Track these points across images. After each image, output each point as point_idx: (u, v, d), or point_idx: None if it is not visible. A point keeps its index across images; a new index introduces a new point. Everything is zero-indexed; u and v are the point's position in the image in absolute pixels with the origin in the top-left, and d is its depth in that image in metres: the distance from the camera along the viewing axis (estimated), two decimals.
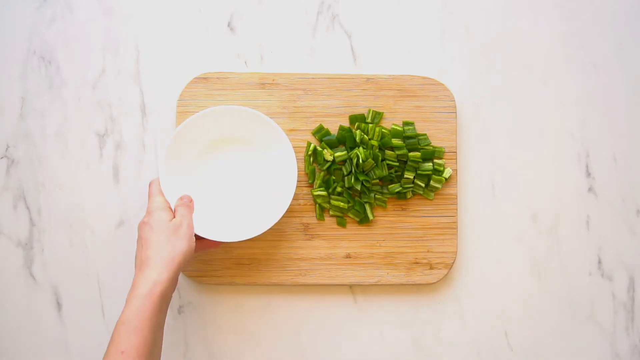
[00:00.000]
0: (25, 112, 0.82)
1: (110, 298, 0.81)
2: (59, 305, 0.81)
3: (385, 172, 0.79)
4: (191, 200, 0.76)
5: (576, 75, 0.85)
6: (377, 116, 0.81)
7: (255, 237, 0.76)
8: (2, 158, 0.82)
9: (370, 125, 0.80)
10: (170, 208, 0.73)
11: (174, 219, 0.72)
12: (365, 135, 0.80)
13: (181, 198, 0.75)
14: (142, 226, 0.71)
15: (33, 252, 0.81)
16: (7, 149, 0.82)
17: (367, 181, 0.79)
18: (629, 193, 0.84)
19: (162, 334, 0.69)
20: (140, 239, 0.70)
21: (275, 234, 0.80)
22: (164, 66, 0.83)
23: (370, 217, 0.80)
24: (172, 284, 0.68)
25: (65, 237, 0.81)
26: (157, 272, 0.67)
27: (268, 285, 0.81)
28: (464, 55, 0.85)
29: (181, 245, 0.70)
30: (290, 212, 0.80)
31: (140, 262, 0.69)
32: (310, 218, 0.81)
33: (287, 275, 0.81)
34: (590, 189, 0.84)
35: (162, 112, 0.83)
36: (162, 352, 0.81)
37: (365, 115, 0.81)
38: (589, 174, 0.84)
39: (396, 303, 0.82)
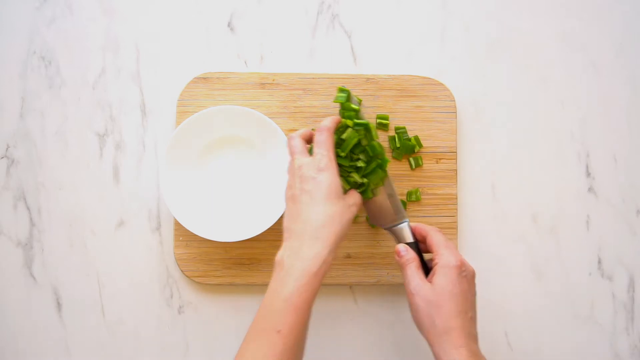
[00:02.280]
0: (25, 112, 0.82)
1: (110, 298, 0.81)
2: (59, 305, 0.81)
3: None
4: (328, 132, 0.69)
5: (576, 75, 0.85)
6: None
7: (255, 237, 0.76)
8: (2, 158, 0.82)
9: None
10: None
11: (337, 182, 0.65)
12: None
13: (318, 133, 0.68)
14: (314, 182, 0.65)
15: (33, 252, 0.81)
16: (7, 149, 0.82)
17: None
18: (629, 193, 0.84)
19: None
20: (312, 196, 0.65)
21: (275, 234, 0.80)
22: (164, 66, 0.83)
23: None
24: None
25: (65, 237, 0.81)
26: (328, 250, 0.63)
27: (268, 285, 0.81)
28: (464, 55, 0.85)
29: (349, 215, 0.66)
30: None
31: (306, 231, 0.64)
32: None
33: None
34: (590, 189, 0.84)
35: (162, 112, 0.83)
36: (162, 352, 0.81)
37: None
38: (589, 174, 0.84)
39: (396, 303, 0.82)
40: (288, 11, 0.84)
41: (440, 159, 0.82)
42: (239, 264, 0.80)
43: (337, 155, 0.70)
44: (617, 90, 0.85)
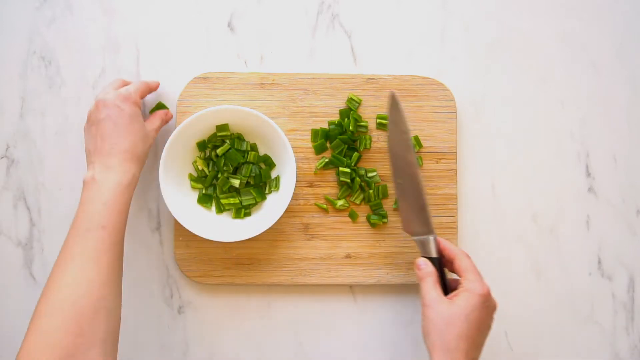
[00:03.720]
0: (25, 112, 0.82)
1: None
2: None
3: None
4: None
5: (576, 75, 0.85)
6: (354, 104, 0.81)
7: (255, 237, 0.76)
8: (2, 158, 0.82)
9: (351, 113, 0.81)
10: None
11: (137, 112, 0.74)
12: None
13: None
14: (115, 109, 0.72)
15: (33, 252, 0.81)
16: (7, 149, 0.82)
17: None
18: (629, 193, 0.84)
19: None
20: (96, 130, 0.72)
21: (275, 234, 0.80)
22: (164, 66, 0.83)
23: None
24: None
25: (65, 237, 0.81)
26: (136, 167, 0.71)
27: (268, 285, 0.81)
28: (464, 55, 0.85)
29: (150, 141, 0.75)
30: (290, 212, 0.80)
31: (113, 153, 0.70)
32: (310, 218, 0.81)
33: (287, 275, 0.81)
34: (590, 189, 0.84)
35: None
36: (162, 352, 0.81)
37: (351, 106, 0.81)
38: (589, 174, 0.84)
39: (396, 303, 0.82)
40: (288, 11, 0.84)
41: (440, 159, 0.82)
42: (239, 264, 0.80)
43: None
44: (617, 90, 0.85)
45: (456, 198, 0.82)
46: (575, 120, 0.85)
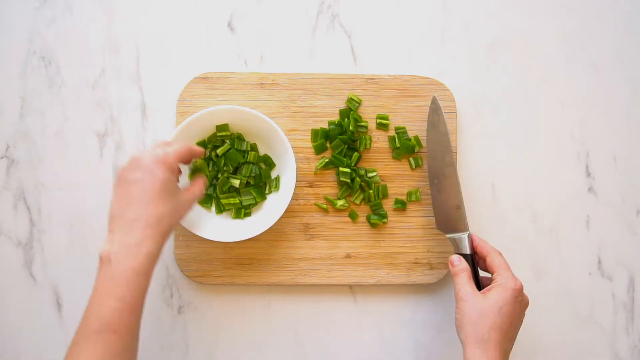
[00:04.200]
0: (25, 112, 0.82)
1: None
2: (59, 305, 0.81)
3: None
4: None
5: (576, 75, 0.85)
6: (355, 104, 0.81)
7: (255, 237, 0.76)
8: (2, 158, 0.82)
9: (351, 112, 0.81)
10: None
11: (172, 179, 0.65)
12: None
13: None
14: (148, 173, 0.63)
15: (33, 252, 0.81)
16: (7, 149, 0.82)
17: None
18: (629, 193, 0.84)
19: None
20: (124, 193, 0.64)
21: (275, 234, 0.80)
22: (164, 66, 0.83)
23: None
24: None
25: (65, 237, 0.81)
26: (158, 247, 0.63)
27: (268, 285, 0.81)
28: (464, 55, 0.85)
29: (183, 211, 0.66)
30: (290, 212, 0.80)
31: (135, 226, 0.62)
32: (310, 218, 0.81)
33: (287, 275, 0.81)
34: (590, 189, 0.84)
35: (162, 112, 0.83)
36: (162, 352, 0.81)
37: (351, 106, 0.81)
38: (589, 174, 0.84)
39: (396, 303, 0.82)
40: (288, 11, 0.84)
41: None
42: (239, 264, 0.80)
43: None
44: (617, 90, 0.85)
45: None
46: (575, 120, 0.85)
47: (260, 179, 0.79)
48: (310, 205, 0.81)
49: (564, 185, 0.84)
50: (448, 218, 0.77)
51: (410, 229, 0.81)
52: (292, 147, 0.76)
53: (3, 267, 0.81)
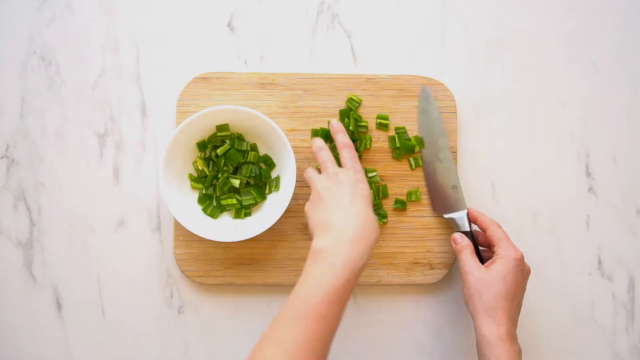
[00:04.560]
0: (25, 112, 0.82)
1: (110, 298, 0.81)
2: (59, 305, 0.81)
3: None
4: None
5: (576, 75, 0.85)
6: (355, 104, 0.81)
7: (255, 237, 0.76)
8: (2, 158, 0.82)
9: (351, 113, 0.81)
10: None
11: (372, 195, 0.71)
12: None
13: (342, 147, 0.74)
14: (360, 186, 0.69)
15: (33, 252, 0.81)
16: (7, 149, 0.82)
17: None
18: (629, 193, 0.84)
19: None
20: (341, 200, 0.68)
21: (275, 234, 0.80)
22: (164, 66, 0.83)
23: None
24: None
25: (65, 237, 0.81)
26: (369, 252, 0.66)
27: (268, 285, 0.81)
28: (464, 55, 0.85)
29: (376, 223, 0.69)
30: (290, 212, 0.80)
31: (349, 228, 0.66)
32: None
33: (287, 275, 0.81)
34: (590, 189, 0.84)
35: (162, 112, 0.83)
36: (162, 352, 0.81)
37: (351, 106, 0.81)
38: (589, 174, 0.84)
39: (396, 303, 0.82)
40: (288, 11, 0.84)
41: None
42: (239, 264, 0.80)
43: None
44: (617, 90, 0.85)
45: None
46: (575, 120, 0.85)
47: (260, 179, 0.79)
48: None
49: (564, 185, 0.84)
50: (446, 199, 0.80)
51: (410, 229, 0.81)
52: (292, 147, 0.76)
53: (3, 267, 0.81)
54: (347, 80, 0.82)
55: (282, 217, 0.76)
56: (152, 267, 0.82)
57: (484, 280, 0.71)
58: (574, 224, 0.84)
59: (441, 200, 0.80)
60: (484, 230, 0.77)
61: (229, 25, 0.84)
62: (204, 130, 0.78)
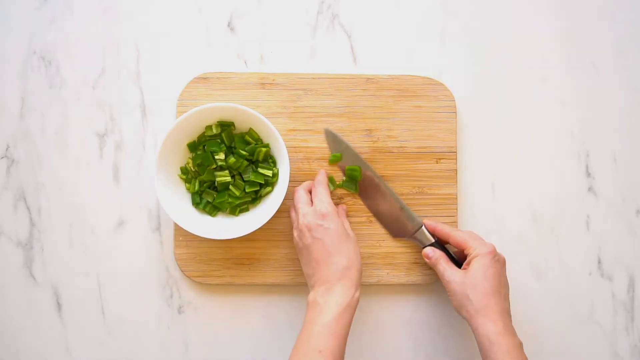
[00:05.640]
0: (25, 112, 0.82)
1: (110, 298, 0.81)
2: (59, 305, 0.81)
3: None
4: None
5: (576, 75, 0.85)
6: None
7: (255, 237, 0.76)
8: (2, 158, 0.82)
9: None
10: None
11: (340, 224, 0.73)
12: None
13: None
14: (320, 229, 0.72)
15: (33, 252, 0.81)
16: (7, 149, 0.82)
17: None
18: (629, 193, 0.84)
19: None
20: (321, 242, 0.71)
21: (275, 234, 0.80)
22: (164, 66, 0.83)
23: None
24: None
25: (65, 237, 0.81)
26: (355, 287, 0.70)
27: (268, 285, 0.81)
28: (464, 55, 0.85)
29: (358, 255, 0.73)
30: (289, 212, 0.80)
31: (331, 276, 0.70)
32: None
33: (287, 275, 0.81)
34: (590, 189, 0.84)
35: (162, 112, 0.83)
36: (162, 352, 0.81)
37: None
38: (589, 174, 0.84)
39: (396, 303, 0.82)
40: (288, 11, 0.84)
41: (440, 159, 0.82)
42: (239, 264, 0.80)
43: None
44: (617, 90, 0.85)
45: (456, 198, 0.82)
46: (575, 120, 0.85)
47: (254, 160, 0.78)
48: None
49: (564, 185, 0.84)
50: (399, 223, 0.80)
51: None
52: (292, 147, 0.76)
53: (3, 267, 0.81)
54: (347, 80, 0.82)
55: (281, 217, 0.76)
56: (152, 267, 0.82)
57: (468, 283, 0.71)
58: (574, 224, 0.84)
59: (396, 225, 0.80)
60: (446, 240, 0.77)
61: (229, 25, 0.84)
62: (198, 128, 0.78)
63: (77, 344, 0.81)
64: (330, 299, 0.69)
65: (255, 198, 0.78)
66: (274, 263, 0.81)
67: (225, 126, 0.78)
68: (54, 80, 0.83)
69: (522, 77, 0.85)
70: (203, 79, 0.81)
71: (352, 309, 0.70)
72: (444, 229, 0.77)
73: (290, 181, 0.77)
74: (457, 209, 0.82)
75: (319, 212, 0.72)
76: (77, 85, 0.83)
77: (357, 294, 0.70)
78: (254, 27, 0.84)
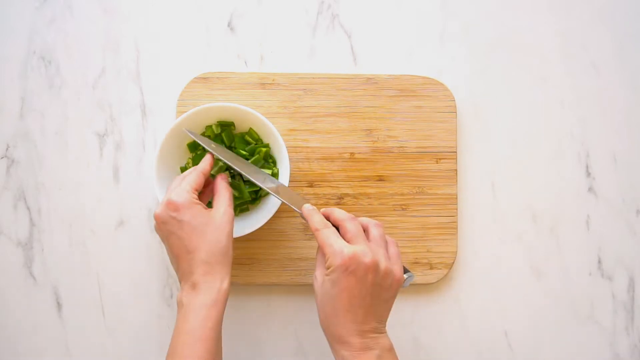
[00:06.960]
0: (25, 112, 0.82)
1: (110, 298, 0.81)
2: (59, 305, 0.81)
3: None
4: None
5: (576, 75, 0.85)
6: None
7: (255, 237, 0.76)
8: (2, 158, 0.82)
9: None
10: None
11: (195, 213, 0.65)
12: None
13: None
14: (173, 222, 0.65)
15: (33, 252, 0.81)
16: (7, 149, 0.82)
17: None
18: (629, 193, 0.84)
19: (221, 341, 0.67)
20: (176, 236, 0.65)
21: (275, 234, 0.80)
22: (164, 66, 0.83)
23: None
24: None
25: (65, 237, 0.81)
26: (221, 279, 0.65)
27: (268, 285, 0.81)
28: (464, 55, 0.85)
29: (226, 231, 0.66)
30: (290, 212, 0.80)
31: (192, 272, 0.65)
32: None
33: (287, 275, 0.81)
34: (590, 189, 0.84)
35: (162, 112, 0.83)
36: (162, 352, 0.81)
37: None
38: (589, 174, 0.84)
39: (396, 303, 0.82)
40: (288, 11, 0.84)
41: (440, 159, 0.82)
42: (239, 264, 0.80)
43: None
44: (617, 90, 0.85)
45: (456, 198, 0.82)
46: (575, 120, 0.85)
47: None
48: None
49: (564, 185, 0.84)
50: (292, 211, 0.74)
51: (409, 229, 0.81)
52: (292, 147, 0.76)
53: (3, 267, 0.81)
54: (347, 80, 0.82)
55: (282, 217, 0.76)
56: (152, 267, 0.82)
57: (319, 299, 0.64)
58: (574, 224, 0.84)
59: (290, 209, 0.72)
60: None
61: (229, 25, 0.84)
62: (197, 127, 0.77)
63: (77, 344, 0.81)
64: (195, 300, 0.64)
65: (255, 198, 0.78)
66: (274, 263, 0.81)
67: (225, 126, 0.78)
68: (54, 80, 0.83)
69: (522, 77, 0.85)
70: (203, 79, 0.81)
71: (221, 303, 0.64)
72: (312, 224, 0.66)
73: (290, 181, 0.77)
74: (457, 209, 0.82)
75: (170, 203, 0.65)
76: (77, 85, 0.83)
77: (224, 285, 0.65)
78: (253, 27, 0.84)
